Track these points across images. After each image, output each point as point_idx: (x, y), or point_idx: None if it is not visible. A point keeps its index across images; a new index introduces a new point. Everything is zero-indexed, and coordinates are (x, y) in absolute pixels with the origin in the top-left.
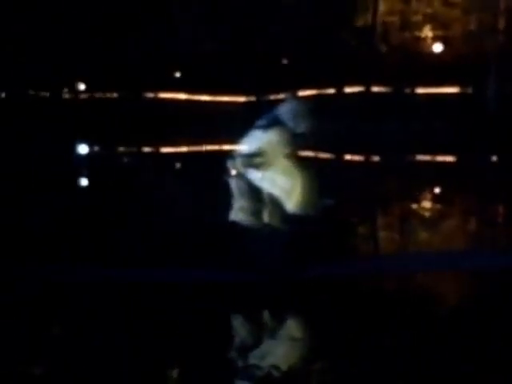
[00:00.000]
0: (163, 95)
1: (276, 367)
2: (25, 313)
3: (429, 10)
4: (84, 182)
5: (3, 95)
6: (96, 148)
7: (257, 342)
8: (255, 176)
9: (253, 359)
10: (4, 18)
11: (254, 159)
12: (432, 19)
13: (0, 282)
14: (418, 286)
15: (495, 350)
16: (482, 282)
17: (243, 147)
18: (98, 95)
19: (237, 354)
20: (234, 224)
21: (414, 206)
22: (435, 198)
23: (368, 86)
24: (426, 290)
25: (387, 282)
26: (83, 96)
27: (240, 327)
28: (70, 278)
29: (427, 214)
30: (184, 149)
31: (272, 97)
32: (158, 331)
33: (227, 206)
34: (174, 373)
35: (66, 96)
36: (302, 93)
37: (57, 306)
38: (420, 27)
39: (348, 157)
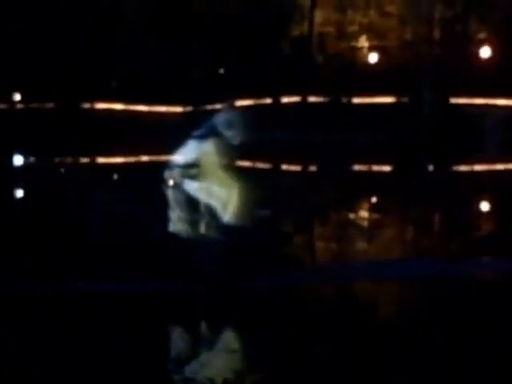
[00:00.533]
0: (100, 105)
1: (212, 380)
2: None
3: (365, 20)
4: (19, 193)
5: None
6: (31, 159)
7: (193, 355)
8: (192, 186)
9: (189, 372)
10: None
11: (190, 170)
12: (368, 29)
13: None
14: (356, 295)
15: (435, 357)
16: (418, 289)
17: (180, 158)
18: (33, 106)
19: (173, 367)
20: (171, 235)
21: (351, 215)
22: (372, 208)
23: (304, 95)
24: (363, 299)
25: (324, 292)
26: (19, 106)
27: (176, 339)
28: (4, 290)
29: (364, 223)
30: (121, 159)
31: (209, 107)
32: (93, 344)
33: (164, 216)
34: None
35: (2, 106)
36: (238, 103)
37: None
38: (356, 37)
39: (285, 166)
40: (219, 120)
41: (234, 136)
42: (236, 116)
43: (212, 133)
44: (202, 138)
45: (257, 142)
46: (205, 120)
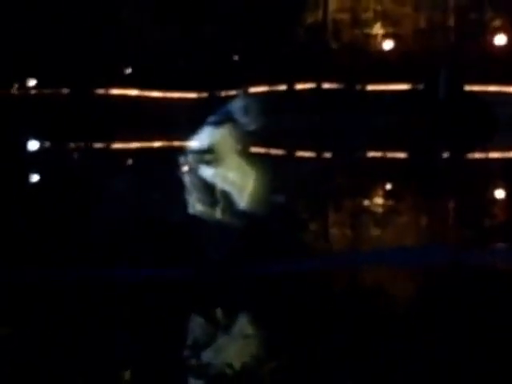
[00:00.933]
0: (114, 91)
1: (229, 365)
2: None
3: (379, 8)
4: (34, 178)
5: None
6: (47, 144)
7: (210, 340)
8: (207, 172)
9: (206, 357)
10: None
11: (205, 155)
12: (383, 16)
13: None
14: (369, 282)
15: (448, 346)
16: (432, 276)
17: (195, 143)
18: (48, 91)
19: (189, 353)
20: (186, 221)
21: (366, 202)
22: (386, 195)
23: (319, 82)
24: (376, 286)
25: (339, 279)
26: (33, 92)
27: (191, 325)
28: (16, 278)
29: (378, 210)
30: (135, 145)
31: (223, 93)
32: (109, 330)
33: (179, 202)
34: (127, 373)
35: (16, 92)
36: (253, 89)
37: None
38: (371, 24)
39: (299, 153)
40: (234, 106)
41: (248, 122)
42: (251, 102)
43: (227, 119)
44: (217, 124)
45: (271, 128)
46: (220, 106)
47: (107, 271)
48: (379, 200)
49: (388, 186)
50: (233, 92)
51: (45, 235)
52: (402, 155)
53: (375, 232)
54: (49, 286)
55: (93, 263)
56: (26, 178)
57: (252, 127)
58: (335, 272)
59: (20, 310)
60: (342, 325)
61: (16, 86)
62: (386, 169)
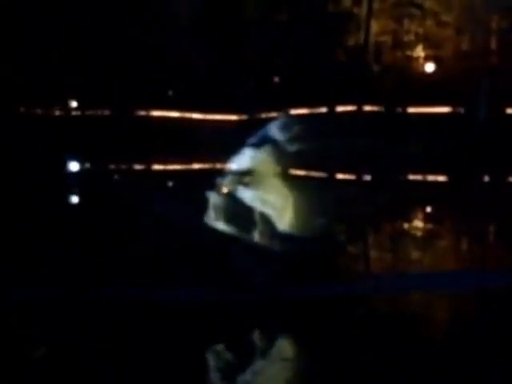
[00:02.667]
0: (155, 113)
1: None
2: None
3: (421, 30)
4: (75, 199)
5: None
6: (87, 165)
7: (247, 364)
8: (246, 195)
9: (242, 381)
10: None
11: (245, 178)
12: (424, 39)
13: None
14: (409, 306)
15: (490, 372)
16: (472, 301)
17: (235, 166)
18: (89, 112)
19: (227, 376)
20: (225, 243)
21: (405, 225)
22: (426, 218)
23: (360, 105)
24: (416, 311)
25: (378, 302)
26: (75, 113)
27: (231, 348)
28: (64, 297)
29: (418, 233)
30: (175, 167)
31: (264, 115)
32: (148, 351)
33: (218, 224)
34: None
35: (58, 113)
36: (293, 111)
37: (46, 324)
38: (412, 47)
39: (340, 176)
40: (274, 128)
41: (288, 145)
42: (291, 125)
43: (267, 141)
44: (257, 146)
45: (312, 150)
46: (260, 128)
47: (145, 292)
48: (419, 223)
49: (428, 209)
50: (273, 114)
51: (84, 255)
52: (442, 178)
53: (415, 255)
54: (87, 306)
55: (130, 284)
56: (67, 198)
57: (292, 150)
58: (374, 295)
59: (58, 330)
60: (380, 349)
61: (58, 107)
62: (426, 191)
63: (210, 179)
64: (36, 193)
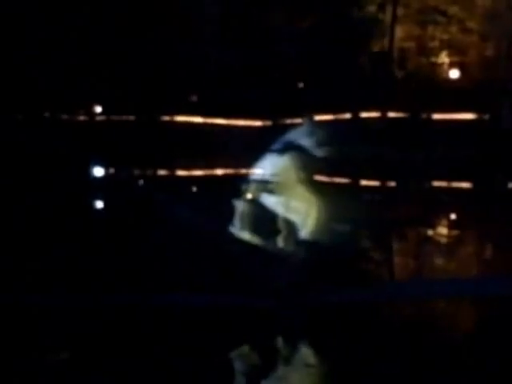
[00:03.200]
0: (179, 118)
1: None
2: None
3: (445, 36)
4: (99, 204)
5: (22, 117)
6: (112, 171)
7: (270, 369)
8: (270, 200)
9: None
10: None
11: (269, 184)
12: (449, 45)
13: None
14: (433, 313)
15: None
16: (497, 308)
17: (259, 172)
18: (114, 118)
19: (250, 381)
20: (248, 249)
21: (430, 231)
22: (451, 224)
23: (384, 111)
24: (440, 317)
25: (402, 309)
26: (99, 118)
27: (253, 353)
28: (85, 303)
29: (443, 239)
30: (199, 172)
31: (288, 121)
32: (171, 356)
33: (242, 230)
34: None
35: (83, 118)
36: (317, 117)
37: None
38: (437, 53)
39: (364, 182)
40: (298, 134)
41: (312, 151)
42: (315, 130)
43: (291, 147)
44: (281, 152)
45: (336, 156)
46: (284, 134)
47: (167, 297)
48: (443, 229)
49: (452, 216)
50: (297, 120)
51: (108, 261)
52: (466, 185)
53: (439, 262)
54: (109, 310)
55: (152, 289)
56: (92, 204)
57: (316, 155)
58: (398, 302)
59: (80, 334)
60: (405, 357)
61: (82, 112)
62: (451, 198)
63: (233, 185)
64: (61, 198)
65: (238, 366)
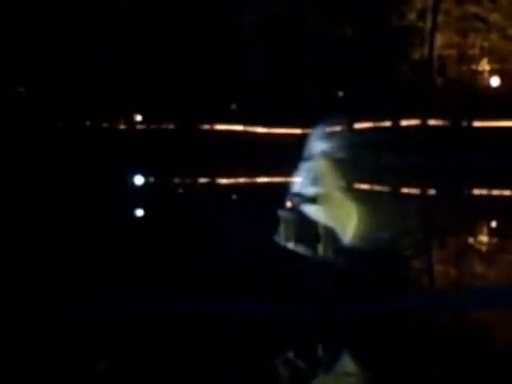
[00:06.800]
0: (219, 127)
1: None
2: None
3: (486, 44)
4: (140, 212)
5: (61, 125)
6: (152, 179)
7: (311, 377)
8: (310, 208)
9: None
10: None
11: (309, 192)
12: (489, 53)
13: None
14: (475, 322)
15: None
16: None
17: (298, 179)
18: (154, 126)
19: None
20: (289, 257)
21: (470, 239)
22: (492, 232)
23: (424, 119)
24: (482, 327)
25: (443, 318)
26: (140, 127)
27: (294, 361)
28: (123, 310)
29: (483, 247)
30: (240, 180)
31: (328, 129)
32: (215, 363)
33: (282, 238)
34: None
35: (123, 127)
36: (357, 125)
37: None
38: (477, 61)
39: (404, 190)
40: (339, 143)
41: (353, 159)
42: (355, 139)
43: (331, 155)
44: (321, 160)
45: (376, 164)
46: (324, 142)
47: (209, 305)
48: (484, 237)
49: (493, 224)
50: (337, 128)
51: (148, 269)
52: (507, 192)
53: (480, 270)
54: (157, 318)
55: (195, 297)
56: (132, 212)
57: (356, 163)
58: (439, 310)
59: (122, 342)
60: (446, 365)
61: (123, 121)
62: (492, 206)
63: (274, 193)
64: (102, 206)
65: (281, 373)
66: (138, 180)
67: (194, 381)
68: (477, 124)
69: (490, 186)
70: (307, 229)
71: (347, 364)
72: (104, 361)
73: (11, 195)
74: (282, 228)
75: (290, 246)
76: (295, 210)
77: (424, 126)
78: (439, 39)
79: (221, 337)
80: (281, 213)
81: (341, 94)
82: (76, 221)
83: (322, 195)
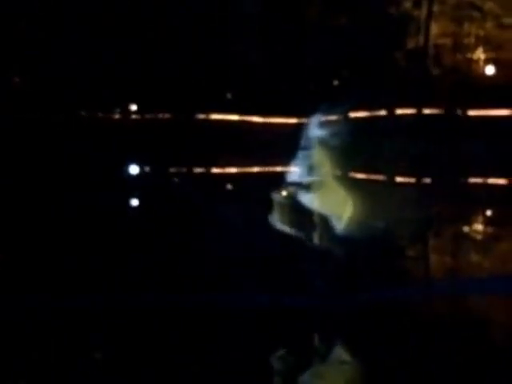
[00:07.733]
0: (214, 116)
1: None
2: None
3: (481, 32)
4: (134, 202)
5: (55, 115)
6: (147, 168)
7: (307, 366)
8: (306, 197)
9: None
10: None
11: (304, 181)
12: (484, 41)
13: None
14: (470, 311)
15: None
16: None
17: (294, 168)
18: (149, 116)
19: (287, 378)
20: (285, 246)
21: (466, 228)
22: (487, 221)
23: (419, 107)
24: (478, 315)
25: (438, 306)
26: (134, 117)
27: (290, 350)
28: (128, 303)
29: (479, 236)
30: (235, 170)
31: (323, 118)
32: (211, 355)
33: (278, 227)
34: None
35: (118, 116)
36: (353, 114)
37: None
38: (472, 49)
39: (399, 178)
40: (334, 131)
41: (348, 148)
42: (351, 127)
43: (326, 144)
44: (317, 149)
45: (370, 153)
46: (319, 131)
47: (214, 297)
48: (479, 226)
49: (488, 213)
50: (333, 117)
51: (145, 260)
52: (502, 181)
53: (475, 259)
54: (151, 311)
55: (192, 288)
56: (127, 202)
57: (351, 152)
58: (435, 300)
59: (117, 335)
60: (441, 353)
61: (118, 110)
62: (487, 194)
63: (269, 182)
64: (96, 196)
65: (276, 363)
66: (133, 169)
67: (191, 373)
68: (472, 113)
69: (485, 174)
70: (302, 217)
71: (342, 353)
72: (104, 359)
73: (5, 186)
74: (277, 216)
75: (285, 234)
76: (290, 198)
77: (419, 115)
78: (434, 28)
79: (215, 328)
80: (275, 196)
81: (336, 82)
82: (71, 212)
83: (318, 184)
